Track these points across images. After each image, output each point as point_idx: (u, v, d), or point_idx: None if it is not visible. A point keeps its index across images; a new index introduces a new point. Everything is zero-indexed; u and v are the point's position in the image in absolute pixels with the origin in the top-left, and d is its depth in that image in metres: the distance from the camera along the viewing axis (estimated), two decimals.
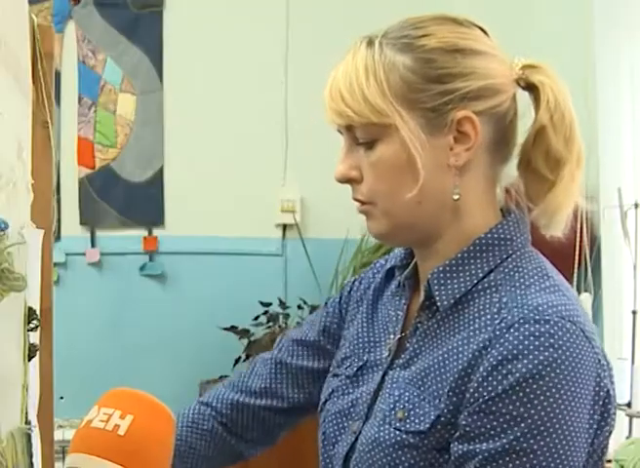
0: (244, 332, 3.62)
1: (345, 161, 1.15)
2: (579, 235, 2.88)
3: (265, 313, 3.63)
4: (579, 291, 2.94)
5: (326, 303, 1.39)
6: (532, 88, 1.13)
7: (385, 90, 1.08)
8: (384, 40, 1.11)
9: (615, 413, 1.09)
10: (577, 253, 2.91)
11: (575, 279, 2.92)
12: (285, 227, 3.90)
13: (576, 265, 2.93)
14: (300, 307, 3.69)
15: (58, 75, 3.23)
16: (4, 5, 1.19)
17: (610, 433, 1.09)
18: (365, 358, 1.22)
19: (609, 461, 2.46)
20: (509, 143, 1.14)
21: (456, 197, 1.11)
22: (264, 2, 3.90)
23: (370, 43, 1.12)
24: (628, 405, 2.72)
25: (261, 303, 3.65)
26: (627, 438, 2.68)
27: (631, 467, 2.34)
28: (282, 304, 3.67)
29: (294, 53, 3.89)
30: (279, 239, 3.91)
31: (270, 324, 3.61)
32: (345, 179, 1.15)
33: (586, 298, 2.90)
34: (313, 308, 3.66)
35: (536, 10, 3.35)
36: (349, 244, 3.73)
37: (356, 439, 1.16)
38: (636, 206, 2.78)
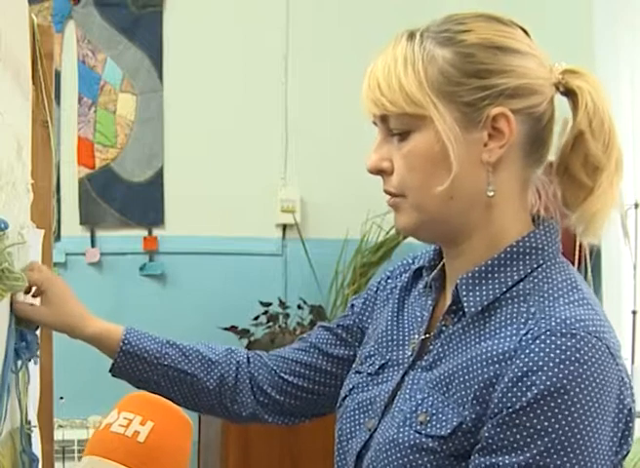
0: (244, 332, 3.61)
1: (377, 152, 1.14)
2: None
3: (265, 313, 3.63)
4: None
5: (352, 304, 1.41)
6: (570, 93, 1.12)
7: (423, 81, 1.08)
8: (426, 33, 1.11)
9: (634, 432, 1.08)
10: (577, 252, 2.90)
11: None
12: (285, 227, 3.89)
13: (576, 265, 2.92)
14: (299, 307, 3.69)
15: (58, 75, 3.22)
16: (4, 5, 1.19)
17: (628, 451, 1.08)
18: (388, 356, 1.22)
19: None
20: (544, 146, 1.14)
21: (490, 194, 1.10)
22: (264, 2, 3.90)
23: (411, 36, 1.12)
24: None
25: (261, 303, 3.65)
26: None
27: (631, 467, 2.34)
28: (282, 304, 3.67)
29: (294, 53, 3.89)
30: (279, 239, 3.91)
31: (270, 324, 3.61)
32: (376, 170, 1.14)
33: None
34: (313, 308, 3.66)
35: (535, 9, 3.35)
36: (349, 244, 3.73)
37: (371, 436, 1.16)
38: (636, 206, 2.77)
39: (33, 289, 1.39)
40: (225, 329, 3.61)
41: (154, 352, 1.42)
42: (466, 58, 1.09)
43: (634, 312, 2.77)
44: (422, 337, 1.18)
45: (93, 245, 3.72)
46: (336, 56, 3.87)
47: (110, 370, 1.43)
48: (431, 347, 1.15)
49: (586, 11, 3.07)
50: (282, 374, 1.42)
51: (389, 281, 1.35)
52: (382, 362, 1.22)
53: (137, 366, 1.41)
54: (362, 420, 1.19)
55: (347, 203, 3.82)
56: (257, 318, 3.62)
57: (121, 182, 3.74)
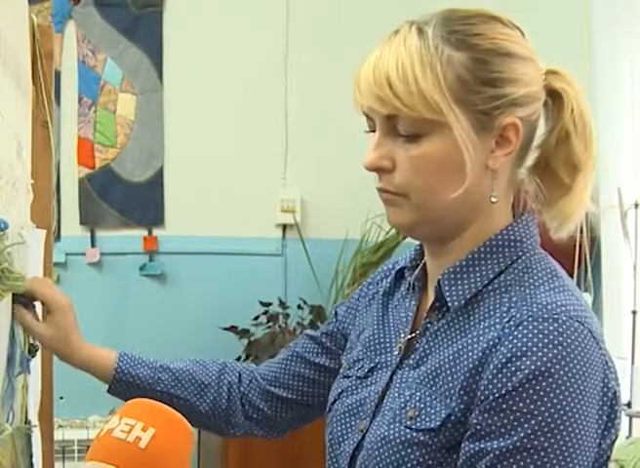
0: (244, 332, 3.62)
1: (378, 149, 1.11)
2: (579, 235, 2.87)
3: (265, 313, 3.63)
4: None
5: (336, 312, 1.42)
6: (554, 95, 1.14)
7: (442, 86, 1.06)
8: (437, 31, 1.08)
9: (620, 416, 1.09)
10: (577, 252, 2.90)
11: (575, 279, 2.92)
12: (285, 227, 3.90)
13: (576, 265, 2.92)
14: (300, 307, 3.69)
15: (58, 75, 3.22)
16: (4, 5, 1.19)
17: (616, 436, 1.09)
18: (377, 360, 1.22)
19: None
20: (529, 148, 1.15)
21: (494, 200, 1.12)
22: (264, 2, 3.90)
23: (420, 31, 1.08)
24: (628, 405, 2.71)
25: (261, 303, 3.65)
26: (627, 438, 2.67)
27: (631, 467, 2.34)
28: (282, 304, 3.67)
29: (294, 53, 3.89)
30: (279, 239, 3.91)
31: (270, 324, 3.61)
32: (375, 168, 1.11)
33: (586, 298, 2.89)
34: (313, 308, 3.66)
35: (535, 9, 3.35)
36: (349, 244, 3.73)
37: (363, 437, 1.16)
38: (636, 206, 2.78)
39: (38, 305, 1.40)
40: (225, 329, 3.61)
41: (147, 378, 1.43)
42: (482, 64, 1.07)
43: (634, 312, 2.77)
44: (409, 337, 1.19)
45: (93, 245, 3.72)
46: (335, 56, 3.87)
47: (108, 391, 1.46)
48: (417, 345, 1.16)
49: (586, 11, 3.07)
50: (269, 388, 1.42)
51: (370, 287, 1.36)
52: (372, 365, 1.23)
53: (131, 392, 1.42)
54: (353, 423, 1.20)
55: (347, 203, 3.82)
56: (257, 318, 3.62)
57: (121, 182, 3.75)
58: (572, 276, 2.89)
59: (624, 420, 2.73)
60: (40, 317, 1.41)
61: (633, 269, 2.80)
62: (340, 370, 1.30)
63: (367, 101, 1.09)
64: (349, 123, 3.91)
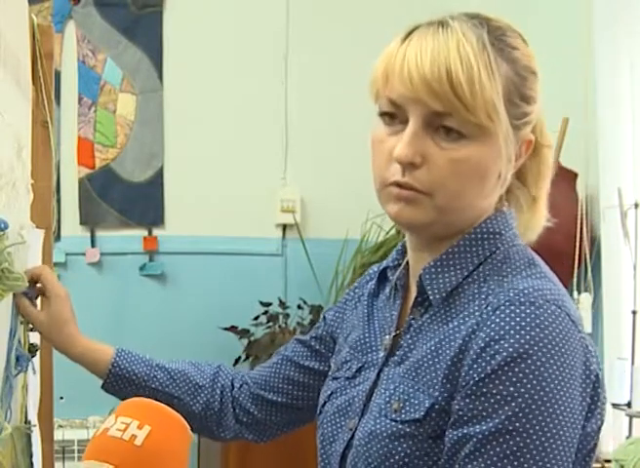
0: (244, 332, 3.62)
1: (412, 144, 1.07)
2: (579, 235, 2.88)
3: (265, 313, 3.63)
4: (579, 291, 2.94)
5: (324, 316, 1.43)
6: None
7: (501, 96, 1.07)
8: (490, 38, 1.08)
9: (605, 398, 1.10)
10: (577, 253, 2.91)
11: (575, 279, 2.92)
12: (285, 227, 3.90)
13: (576, 265, 2.93)
14: (299, 307, 3.69)
15: (58, 75, 3.22)
16: (4, 5, 1.19)
17: (602, 422, 1.10)
18: (364, 360, 1.23)
19: (609, 461, 2.46)
20: None
21: (505, 209, 1.16)
22: (264, 2, 3.90)
23: (478, 34, 1.07)
24: (628, 405, 2.71)
25: (261, 303, 3.65)
26: (627, 438, 2.68)
27: (631, 467, 2.34)
28: (282, 304, 3.67)
29: (294, 53, 3.89)
30: (279, 239, 3.91)
31: (270, 324, 3.61)
32: (407, 163, 1.08)
33: (586, 298, 2.90)
34: (313, 308, 3.66)
35: (535, 9, 3.35)
36: (349, 244, 3.73)
37: (352, 436, 1.17)
38: (636, 206, 2.78)
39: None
40: (225, 329, 3.62)
41: (142, 375, 1.44)
42: (522, 80, 1.10)
43: (634, 312, 2.78)
44: (393, 334, 1.20)
45: (93, 245, 3.72)
46: (335, 56, 3.87)
47: (102, 387, 1.46)
48: (402, 342, 1.17)
49: (586, 11, 3.07)
50: (259, 391, 1.44)
51: (356, 290, 1.37)
52: (359, 365, 1.24)
53: (125, 387, 1.44)
54: (343, 422, 1.21)
55: (347, 203, 3.82)
56: (257, 318, 3.62)
57: (121, 182, 3.75)
58: (572, 276, 2.90)
59: (625, 420, 2.73)
60: (38, 307, 1.41)
61: (633, 269, 2.80)
62: (329, 373, 1.31)
63: (417, 93, 1.06)
64: (349, 123, 3.91)
